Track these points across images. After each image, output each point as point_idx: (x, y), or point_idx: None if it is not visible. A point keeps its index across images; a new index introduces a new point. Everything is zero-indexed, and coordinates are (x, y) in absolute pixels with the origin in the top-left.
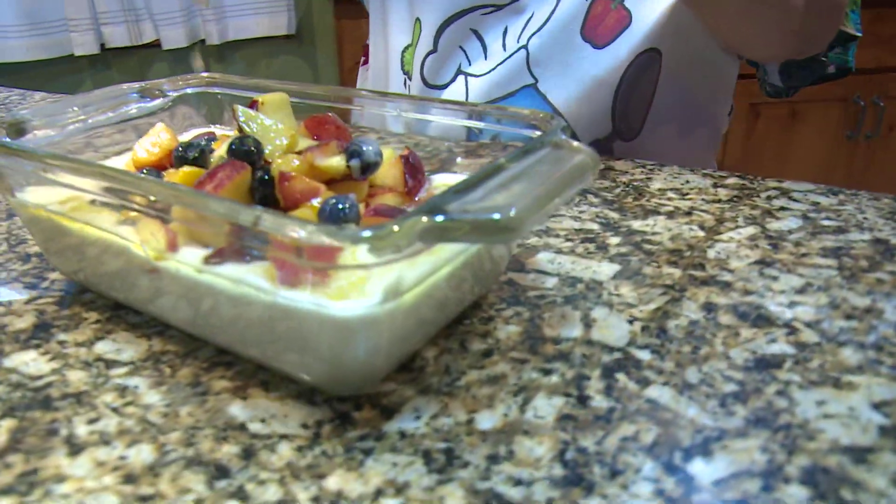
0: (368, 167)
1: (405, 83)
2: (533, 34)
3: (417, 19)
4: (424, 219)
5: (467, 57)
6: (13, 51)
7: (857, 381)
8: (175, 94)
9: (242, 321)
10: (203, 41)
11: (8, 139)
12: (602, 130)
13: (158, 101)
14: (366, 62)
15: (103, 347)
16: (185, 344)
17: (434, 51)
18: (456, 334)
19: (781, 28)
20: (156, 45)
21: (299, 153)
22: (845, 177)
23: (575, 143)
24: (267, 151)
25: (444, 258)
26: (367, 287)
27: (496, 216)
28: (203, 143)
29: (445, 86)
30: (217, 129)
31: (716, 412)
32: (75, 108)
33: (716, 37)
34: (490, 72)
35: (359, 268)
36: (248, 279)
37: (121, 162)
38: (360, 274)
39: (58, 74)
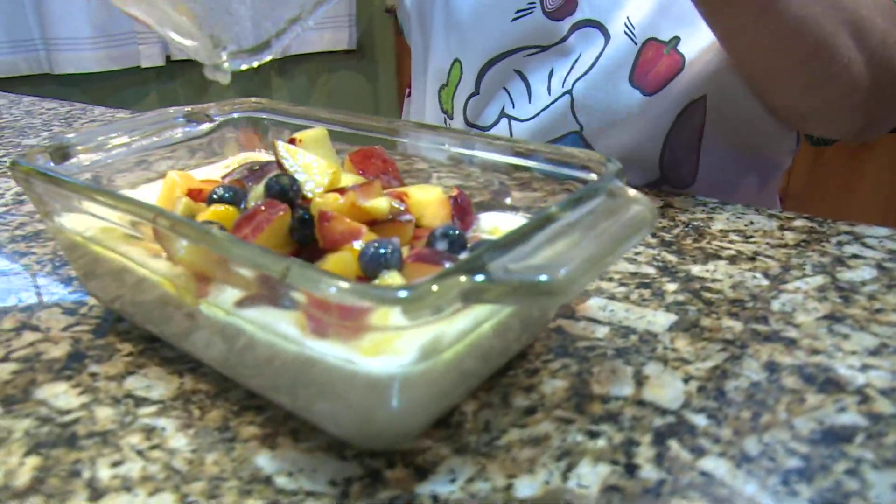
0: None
1: (445, 122)
2: (578, 79)
3: (456, 60)
4: (463, 279)
5: (511, 99)
6: (85, 62)
7: None
8: (221, 118)
9: (272, 368)
10: None
11: (51, 164)
12: (649, 177)
13: (205, 126)
14: (410, 94)
15: (134, 383)
16: (216, 383)
17: (476, 93)
18: (498, 387)
19: (844, 104)
20: None
21: (341, 190)
22: None
23: (631, 192)
24: (307, 188)
25: (490, 308)
26: (404, 343)
27: (543, 278)
28: (247, 182)
29: (488, 128)
30: (263, 154)
31: (777, 491)
32: (120, 133)
33: (777, 117)
34: (534, 117)
35: (391, 329)
36: (278, 327)
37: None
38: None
39: (124, 85)
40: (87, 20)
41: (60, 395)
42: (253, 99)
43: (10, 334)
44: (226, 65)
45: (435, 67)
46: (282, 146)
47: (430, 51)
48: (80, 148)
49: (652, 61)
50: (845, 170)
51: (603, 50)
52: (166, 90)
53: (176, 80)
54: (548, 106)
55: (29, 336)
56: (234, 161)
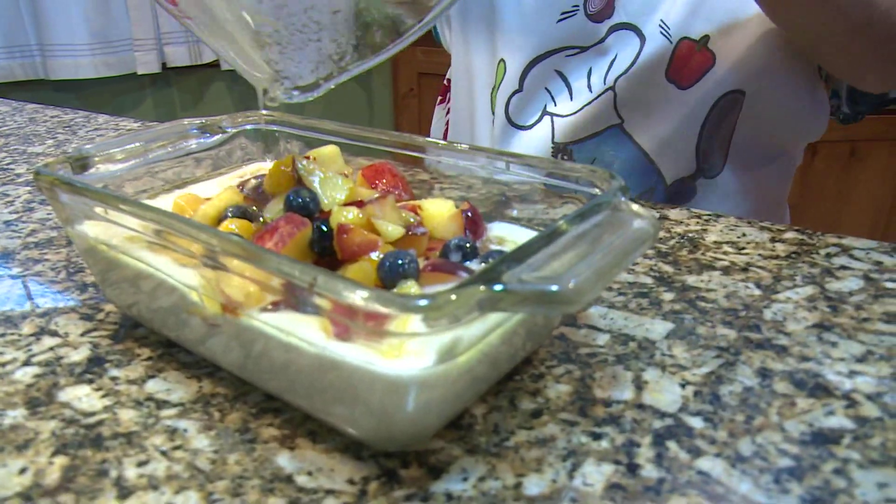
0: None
1: (492, 123)
2: (620, 76)
3: (501, 60)
4: (482, 288)
5: (552, 97)
6: (82, 68)
7: None
8: (234, 130)
9: (291, 370)
10: None
11: (72, 174)
12: (687, 169)
13: (217, 137)
14: (442, 101)
15: (154, 386)
16: (234, 387)
17: (519, 90)
18: (506, 391)
19: (887, 50)
20: (215, 65)
21: (359, 204)
22: None
23: (634, 207)
24: (325, 202)
25: (500, 316)
26: (422, 347)
27: (554, 288)
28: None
29: (531, 126)
30: (270, 165)
31: (770, 489)
32: (137, 143)
33: (829, 70)
34: (576, 112)
35: (411, 336)
36: (301, 331)
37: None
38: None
39: (121, 92)
40: (84, 26)
41: (83, 398)
42: (265, 112)
43: (30, 339)
44: (282, 96)
45: (480, 69)
46: (300, 161)
47: (472, 54)
48: (97, 158)
49: (685, 57)
50: (836, 181)
51: (641, 50)
52: (162, 97)
53: (172, 86)
54: (590, 102)
55: (48, 341)
56: (247, 171)
